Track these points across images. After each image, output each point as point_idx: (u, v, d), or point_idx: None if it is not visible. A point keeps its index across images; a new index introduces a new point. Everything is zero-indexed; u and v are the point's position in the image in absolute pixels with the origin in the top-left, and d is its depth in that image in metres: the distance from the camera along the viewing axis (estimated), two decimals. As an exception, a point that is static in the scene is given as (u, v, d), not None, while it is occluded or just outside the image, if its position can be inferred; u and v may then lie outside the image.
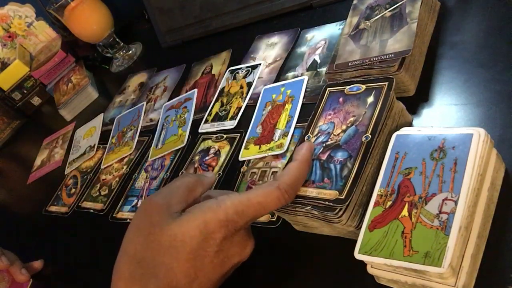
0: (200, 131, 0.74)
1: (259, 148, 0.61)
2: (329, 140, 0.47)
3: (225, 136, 0.69)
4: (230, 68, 0.81)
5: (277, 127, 0.62)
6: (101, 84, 1.14)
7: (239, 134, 0.68)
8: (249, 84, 0.74)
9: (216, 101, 0.77)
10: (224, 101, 0.75)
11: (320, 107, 0.51)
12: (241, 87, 0.75)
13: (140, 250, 0.41)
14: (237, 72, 0.79)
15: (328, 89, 0.52)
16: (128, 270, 0.41)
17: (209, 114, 0.75)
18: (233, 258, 0.43)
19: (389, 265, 0.37)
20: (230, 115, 0.72)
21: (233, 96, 0.74)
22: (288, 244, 0.51)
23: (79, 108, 1.11)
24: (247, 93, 0.73)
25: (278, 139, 0.60)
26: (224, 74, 0.80)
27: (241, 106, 0.72)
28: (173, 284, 0.40)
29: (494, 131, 0.43)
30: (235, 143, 0.67)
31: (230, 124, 0.70)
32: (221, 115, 0.73)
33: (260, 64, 0.77)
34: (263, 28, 0.85)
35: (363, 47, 0.56)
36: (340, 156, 0.45)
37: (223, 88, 0.78)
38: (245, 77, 0.77)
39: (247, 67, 0.78)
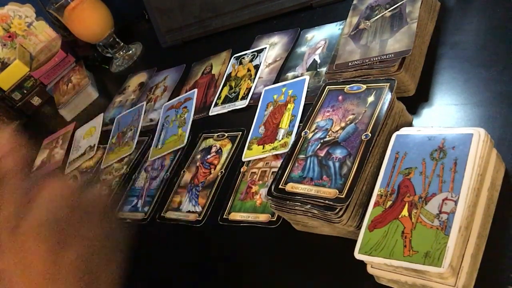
0: (210, 114, 0.75)
1: (263, 148, 0.61)
2: (327, 136, 0.47)
3: (226, 134, 0.69)
4: (235, 55, 0.82)
5: (280, 126, 0.62)
6: (101, 84, 1.14)
7: (240, 132, 0.68)
8: (257, 67, 0.76)
9: (224, 85, 0.78)
10: (233, 84, 0.77)
11: (319, 104, 0.51)
12: (248, 70, 0.77)
13: None
14: (243, 58, 0.80)
15: (327, 87, 0.52)
16: None
17: (219, 98, 0.77)
18: None
19: (389, 265, 0.37)
20: (240, 96, 0.73)
21: (241, 79, 0.76)
22: (288, 244, 0.51)
23: (79, 108, 1.10)
24: (255, 75, 0.74)
25: (282, 138, 0.60)
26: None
27: (251, 86, 0.73)
28: None
29: (494, 131, 0.43)
30: (237, 141, 0.67)
31: (241, 104, 0.72)
32: (231, 97, 0.75)
33: (265, 47, 0.78)
34: (263, 28, 0.85)
35: (363, 47, 0.56)
36: (338, 153, 0.45)
37: (230, 73, 0.80)
38: (251, 61, 0.78)
39: (252, 52, 0.80)
